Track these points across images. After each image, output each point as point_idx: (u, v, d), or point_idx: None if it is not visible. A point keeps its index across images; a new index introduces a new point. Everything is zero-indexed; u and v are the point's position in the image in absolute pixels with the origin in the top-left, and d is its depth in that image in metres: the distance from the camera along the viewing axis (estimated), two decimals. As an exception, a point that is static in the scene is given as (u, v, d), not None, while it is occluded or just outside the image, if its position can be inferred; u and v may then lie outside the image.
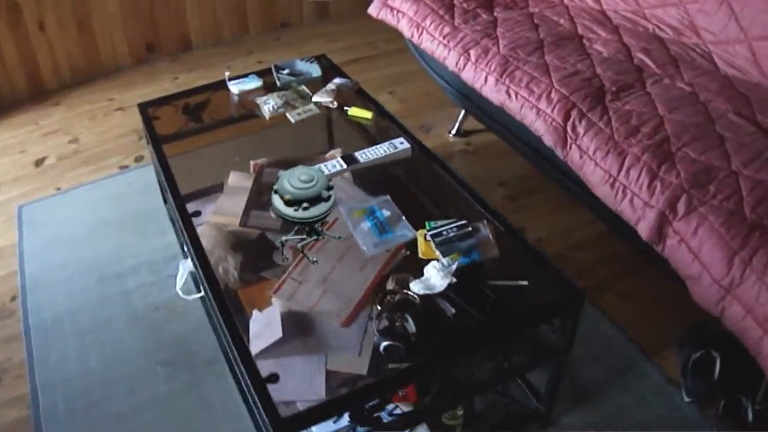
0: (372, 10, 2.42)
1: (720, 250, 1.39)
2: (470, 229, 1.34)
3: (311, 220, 1.50)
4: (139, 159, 2.53)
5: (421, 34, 2.23)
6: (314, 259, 1.53)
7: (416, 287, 1.25)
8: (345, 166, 1.62)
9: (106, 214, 2.26)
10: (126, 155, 2.56)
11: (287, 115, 1.84)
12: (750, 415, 1.52)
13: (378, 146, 1.67)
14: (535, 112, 1.80)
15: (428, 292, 1.23)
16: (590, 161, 1.65)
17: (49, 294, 1.97)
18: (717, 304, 1.40)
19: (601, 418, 1.57)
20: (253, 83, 1.97)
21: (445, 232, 1.33)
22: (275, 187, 1.53)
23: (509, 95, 1.88)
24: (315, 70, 2.02)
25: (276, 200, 1.52)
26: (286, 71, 2.01)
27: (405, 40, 2.50)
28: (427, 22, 2.21)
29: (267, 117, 1.85)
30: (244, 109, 2.01)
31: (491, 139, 2.54)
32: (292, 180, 1.50)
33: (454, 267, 1.24)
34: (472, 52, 2.03)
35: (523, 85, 1.86)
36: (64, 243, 2.15)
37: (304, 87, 1.96)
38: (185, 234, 1.55)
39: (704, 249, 1.41)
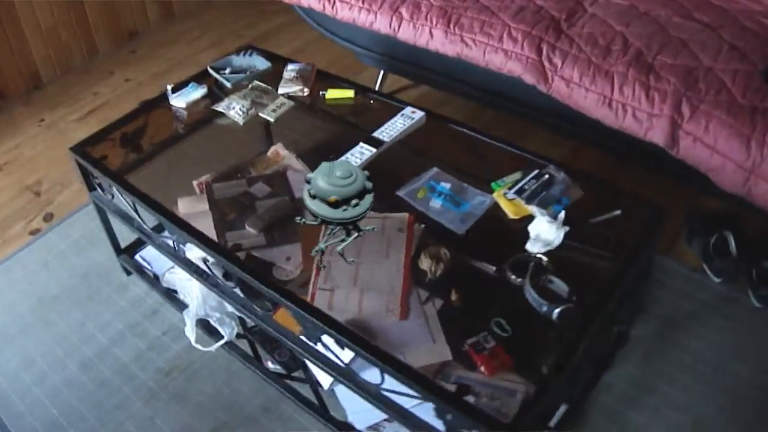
0: (268, -8, 2.23)
1: (735, 137, 1.49)
2: (547, 176, 1.30)
3: (361, 217, 1.37)
4: (48, 218, 2.12)
5: (334, 5, 2.10)
6: (352, 260, 1.42)
7: (535, 247, 1.19)
8: (373, 149, 1.48)
9: (45, 290, 1.87)
10: (30, 218, 2.13)
11: (262, 114, 1.64)
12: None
13: (393, 121, 1.54)
14: (503, 55, 1.78)
15: (549, 248, 1.18)
16: (579, 88, 1.68)
17: (27, 402, 1.60)
18: (743, 186, 1.51)
19: (660, 320, 1.65)
20: (199, 92, 1.72)
21: (526, 186, 1.28)
22: (311, 191, 1.36)
23: (466, 44, 1.84)
24: (260, 62, 1.81)
25: (315, 205, 1.35)
26: (227, 71, 1.79)
27: (297, 14, 2.35)
28: (337, -9, 2.08)
29: (241, 122, 1.63)
30: (186, 123, 1.75)
31: (418, 93, 2.50)
32: (331, 179, 1.34)
33: (562, 215, 1.20)
34: (403, 11, 1.96)
35: (477, 31, 1.83)
36: (11, 337, 1.75)
37: (258, 82, 1.75)
38: (238, 268, 1.33)
39: (720, 141, 1.51)
